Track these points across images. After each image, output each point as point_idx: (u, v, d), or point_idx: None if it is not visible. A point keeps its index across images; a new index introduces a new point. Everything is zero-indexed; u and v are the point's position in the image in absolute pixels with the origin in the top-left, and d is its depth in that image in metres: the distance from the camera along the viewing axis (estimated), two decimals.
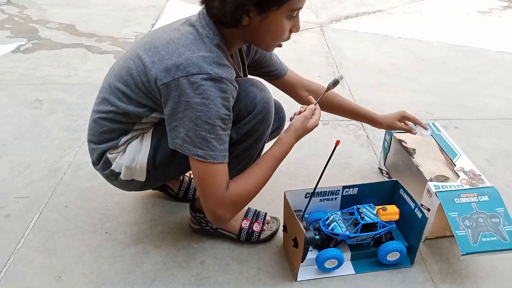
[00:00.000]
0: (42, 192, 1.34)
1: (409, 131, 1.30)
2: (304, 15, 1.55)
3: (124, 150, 1.04)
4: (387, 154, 1.41)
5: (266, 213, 1.23)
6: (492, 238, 1.05)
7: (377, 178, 1.45)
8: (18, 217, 1.25)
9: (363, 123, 1.73)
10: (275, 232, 1.21)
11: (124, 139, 1.03)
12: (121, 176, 1.06)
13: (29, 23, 2.71)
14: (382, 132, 1.44)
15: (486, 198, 1.11)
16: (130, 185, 1.09)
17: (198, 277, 1.09)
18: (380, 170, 1.47)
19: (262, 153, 1.04)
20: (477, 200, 1.11)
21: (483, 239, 1.05)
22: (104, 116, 1.02)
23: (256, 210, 1.23)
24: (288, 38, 0.98)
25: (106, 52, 2.35)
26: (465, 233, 1.05)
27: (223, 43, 0.93)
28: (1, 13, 2.88)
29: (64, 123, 1.70)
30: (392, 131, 1.37)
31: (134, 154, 1.03)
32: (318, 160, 1.47)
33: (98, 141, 1.05)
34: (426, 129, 1.30)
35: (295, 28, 0.97)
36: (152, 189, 1.29)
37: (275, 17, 0.90)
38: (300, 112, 1.05)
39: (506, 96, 1.99)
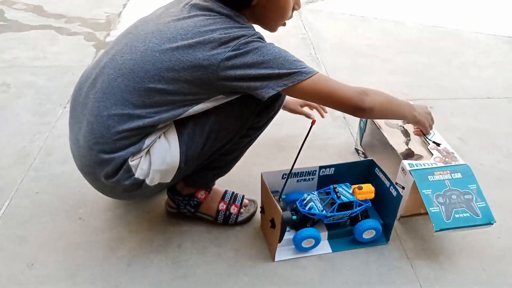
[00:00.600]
0: (11, 178, 1.30)
1: (307, 116, 1.38)
2: None
3: (145, 154, 0.96)
4: (363, 134, 1.42)
5: (243, 196, 1.22)
6: (465, 214, 1.08)
7: (353, 158, 1.45)
8: None
9: None
10: (252, 214, 1.21)
11: (147, 141, 0.94)
12: (148, 182, 0.97)
13: None
14: None
15: (459, 175, 1.13)
16: (155, 189, 1.01)
17: (175, 260, 1.08)
18: (357, 150, 1.47)
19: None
20: (450, 178, 1.12)
21: (456, 216, 1.07)
22: (120, 119, 0.91)
23: (233, 192, 1.22)
24: (291, 16, 1.03)
25: (76, 33, 2.27)
26: (438, 210, 1.07)
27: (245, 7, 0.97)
28: None
29: (33, 108, 1.63)
30: None
31: (165, 154, 0.95)
32: (295, 141, 1.45)
33: (112, 150, 0.92)
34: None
35: (297, 5, 1.02)
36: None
37: None
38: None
39: (480, 76, 2.02)
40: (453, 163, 1.16)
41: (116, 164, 0.93)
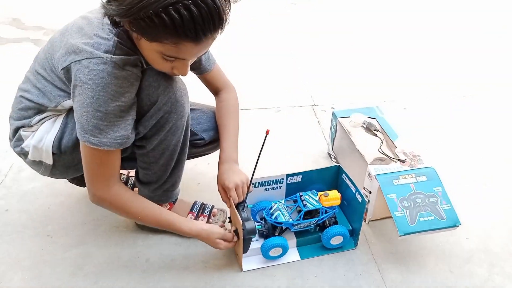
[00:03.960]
0: None
1: (225, 200, 1.08)
2: None
3: (37, 130, 1.02)
4: (334, 139, 1.42)
5: (213, 206, 1.22)
6: (429, 218, 1.08)
7: (326, 163, 1.46)
8: None
9: (314, 109, 1.74)
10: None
11: (37, 118, 1.01)
12: (29, 156, 1.04)
13: None
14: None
15: (424, 178, 1.14)
16: (39, 167, 1.07)
17: (143, 275, 1.07)
18: (329, 154, 1.48)
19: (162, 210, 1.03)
20: (415, 181, 1.13)
21: (421, 219, 1.07)
22: (23, 94, 1.02)
23: (202, 203, 1.22)
24: (173, 74, 0.92)
25: None
26: (403, 214, 1.08)
27: (127, 32, 0.89)
28: None
29: (4, 126, 1.62)
30: (337, 116, 1.37)
31: (43, 134, 1.01)
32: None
33: (16, 117, 1.04)
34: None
35: (176, 70, 0.90)
36: (77, 184, 1.24)
37: (147, 46, 0.84)
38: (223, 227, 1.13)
39: None
40: (419, 166, 1.16)
41: (13, 129, 1.06)
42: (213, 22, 0.78)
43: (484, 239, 1.19)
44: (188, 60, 0.89)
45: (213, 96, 1.22)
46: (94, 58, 0.85)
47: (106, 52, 0.85)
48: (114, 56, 0.85)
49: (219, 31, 0.82)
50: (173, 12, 0.75)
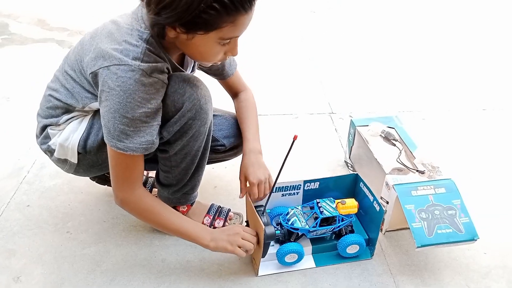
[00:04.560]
0: (4, 191, 1.33)
1: (241, 189, 1.11)
2: None
3: (64, 129, 1.05)
4: (351, 147, 1.42)
5: (229, 209, 1.23)
6: (447, 230, 1.07)
7: (343, 171, 1.46)
8: None
9: (332, 116, 1.74)
10: None
11: (65, 117, 1.04)
12: (55, 154, 1.07)
13: None
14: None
15: (443, 190, 1.13)
16: (64, 165, 1.09)
17: (159, 275, 1.09)
18: (346, 163, 1.48)
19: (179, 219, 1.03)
20: (434, 193, 1.12)
21: (439, 231, 1.07)
22: (52, 93, 1.04)
23: (219, 206, 1.23)
24: (224, 59, 0.96)
25: None
26: (420, 226, 1.07)
27: (159, 38, 0.91)
28: None
29: (30, 120, 1.66)
30: (356, 124, 1.37)
31: (70, 134, 1.03)
32: (281, 156, 1.47)
33: (44, 116, 1.07)
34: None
35: (230, 53, 0.93)
36: (98, 182, 1.27)
37: (203, 40, 0.87)
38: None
39: None
40: (438, 178, 1.16)
41: (40, 127, 1.08)
42: None
43: (503, 254, 1.18)
44: (237, 38, 0.91)
45: (232, 99, 1.25)
46: (122, 65, 0.86)
47: (135, 59, 0.87)
48: (142, 64, 0.87)
49: None
50: None
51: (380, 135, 1.33)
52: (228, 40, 0.89)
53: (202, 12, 0.80)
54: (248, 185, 1.09)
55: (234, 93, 1.24)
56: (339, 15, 2.75)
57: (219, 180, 1.38)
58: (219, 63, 1.01)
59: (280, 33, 2.49)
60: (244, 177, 1.09)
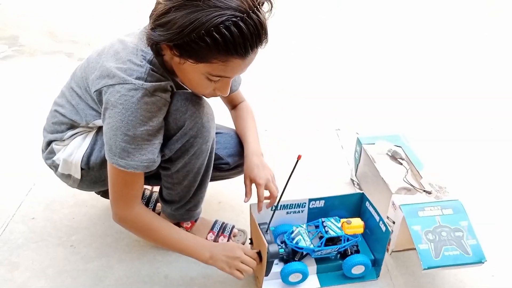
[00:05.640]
0: (10, 203, 1.33)
1: (246, 192, 1.08)
2: None
3: (68, 144, 1.06)
4: (358, 165, 1.41)
5: (233, 226, 1.22)
6: (454, 252, 1.05)
7: (349, 188, 1.45)
8: None
9: (338, 133, 1.74)
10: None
11: (70, 133, 1.05)
12: (59, 169, 1.08)
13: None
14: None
15: (450, 211, 1.11)
16: (68, 180, 1.10)
17: None
18: (352, 181, 1.47)
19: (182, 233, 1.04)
20: (441, 214, 1.11)
21: (446, 253, 1.05)
22: (58, 108, 1.06)
23: (223, 222, 1.22)
24: (214, 95, 0.95)
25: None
26: (427, 247, 1.05)
27: (155, 55, 0.91)
28: None
29: (38, 132, 1.67)
30: (362, 142, 1.37)
31: (73, 149, 1.05)
32: (287, 175, 1.46)
33: (49, 131, 1.09)
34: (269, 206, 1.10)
35: (219, 91, 0.93)
36: (103, 196, 1.26)
37: (192, 69, 0.86)
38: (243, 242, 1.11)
39: None
40: (445, 198, 1.14)
41: (46, 142, 1.10)
42: (259, 36, 0.82)
43: (511, 277, 1.16)
44: (230, 79, 0.91)
45: (229, 111, 1.25)
46: (126, 83, 0.87)
47: (138, 78, 0.88)
48: (145, 83, 0.88)
49: (264, 44, 0.85)
50: (224, 30, 0.78)
51: (387, 154, 1.32)
52: (218, 78, 0.88)
53: (192, 41, 0.79)
54: (256, 187, 1.07)
55: (233, 105, 1.24)
56: (348, 23, 2.76)
57: (223, 196, 1.38)
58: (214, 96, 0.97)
59: (287, 43, 2.50)
60: (249, 180, 1.08)
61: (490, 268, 1.16)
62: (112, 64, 0.90)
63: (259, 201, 1.07)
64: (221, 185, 1.40)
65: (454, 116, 1.90)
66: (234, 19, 0.78)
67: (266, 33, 0.83)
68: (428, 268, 1.03)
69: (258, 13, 0.80)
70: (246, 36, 0.79)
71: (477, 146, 1.70)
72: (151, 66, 0.90)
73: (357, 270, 1.11)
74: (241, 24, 0.78)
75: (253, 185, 1.08)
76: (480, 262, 1.05)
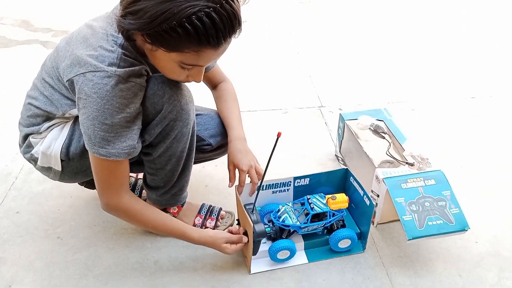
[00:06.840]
0: None
1: (230, 178, 1.09)
2: None
3: (46, 137, 1.03)
4: (341, 141, 1.42)
5: (221, 208, 1.23)
6: (438, 222, 1.08)
7: (334, 165, 1.46)
8: None
9: (321, 110, 1.74)
10: (229, 226, 1.21)
11: (46, 125, 1.02)
12: (39, 162, 1.06)
13: None
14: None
15: (432, 182, 1.13)
16: (49, 173, 1.08)
17: (152, 277, 1.08)
18: (337, 157, 1.48)
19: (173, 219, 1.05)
20: (424, 185, 1.12)
21: (429, 223, 1.07)
22: (31, 101, 1.03)
23: (210, 205, 1.22)
24: (187, 81, 0.93)
25: None
26: (411, 218, 1.07)
27: (126, 41, 0.89)
28: None
29: (15, 125, 1.64)
30: (345, 118, 1.37)
31: (51, 141, 1.02)
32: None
33: (25, 124, 1.06)
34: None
35: (191, 78, 0.92)
36: (86, 187, 1.25)
37: (165, 56, 0.85)
38: (231, 231, 1.08)
39: None
40: (427, 169, 1.16)
41: (22, 136, 1.07)
42: (233, 26, 0.81)
43: (494, 243, 1.19)
44: (204, 67, 0.89)
45: (210, 91, 1.23)
46: (98, 71, 0.85)
47: (111, 65, 0.86)
48: (119, 69, 0.86)
49: (237, 34, 0.83)
50: (196, 21, 0.76)
51: (369, 128, 1.32)
52: (191, 67, 0.87)
53: (164, 31, 0.78)
54: (238, 173, 1.08)
55: (214, 85, 1.22)
56: (327, 7, 2.73)
57: (209, 179, 1.38)
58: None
59: (267, 25, 2.47)
60: (232, 165, 1.08)
61: (474, 235, 1.19)
62: (83, 52, 0.87)
63: (240, 186, 1.08)
64: (207, 168, 1.40)
65: (436, 87, 1.91)
66: (206, 9, 0.76)
67: (239, 23, 0.82)
68: (413, 238, 1.05)
69: (232, 2, 0.79)
70: (219, 27, 0.78)
71: (458, 116, 1.72)
72: (123, 51, 0.88)
73: (344, 244, 1.13)
74: (214, 14, 0.77)
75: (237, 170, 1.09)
76: (463, 230, 1.08)
